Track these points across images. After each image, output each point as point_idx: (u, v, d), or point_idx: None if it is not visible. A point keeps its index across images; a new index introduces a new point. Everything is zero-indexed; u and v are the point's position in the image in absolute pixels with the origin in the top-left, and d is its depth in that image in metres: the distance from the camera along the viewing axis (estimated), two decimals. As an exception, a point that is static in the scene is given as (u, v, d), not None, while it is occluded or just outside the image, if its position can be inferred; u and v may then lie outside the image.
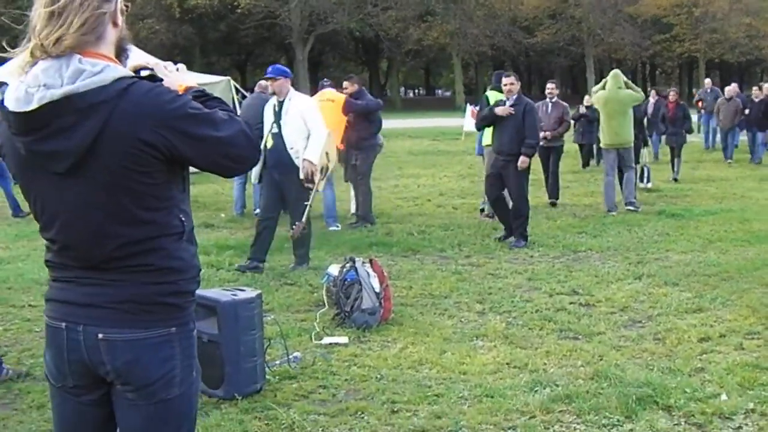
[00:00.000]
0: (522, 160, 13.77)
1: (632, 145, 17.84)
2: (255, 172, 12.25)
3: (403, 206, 18.70)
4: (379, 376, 7.64)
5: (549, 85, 19.55)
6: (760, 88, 28.90)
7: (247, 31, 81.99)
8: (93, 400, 3.58)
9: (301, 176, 11.54)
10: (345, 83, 16.05)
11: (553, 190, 18.84)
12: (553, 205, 18.39)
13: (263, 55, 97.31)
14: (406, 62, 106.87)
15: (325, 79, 16.41)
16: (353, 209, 16.45)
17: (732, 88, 29.92)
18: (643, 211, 17.24)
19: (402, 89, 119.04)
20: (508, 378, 7.55)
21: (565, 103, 19.44)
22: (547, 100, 19.06)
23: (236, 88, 25.17)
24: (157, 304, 3.42)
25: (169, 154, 3.28)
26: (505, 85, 14.31)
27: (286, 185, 11.90)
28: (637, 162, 18.92)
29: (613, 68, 25.97)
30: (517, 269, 12.11)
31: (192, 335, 3.62)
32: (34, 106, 3.18)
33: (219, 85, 25.26)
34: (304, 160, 11.54)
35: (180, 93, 3.44)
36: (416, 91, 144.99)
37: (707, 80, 37.65)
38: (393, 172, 25.28)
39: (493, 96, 16.58)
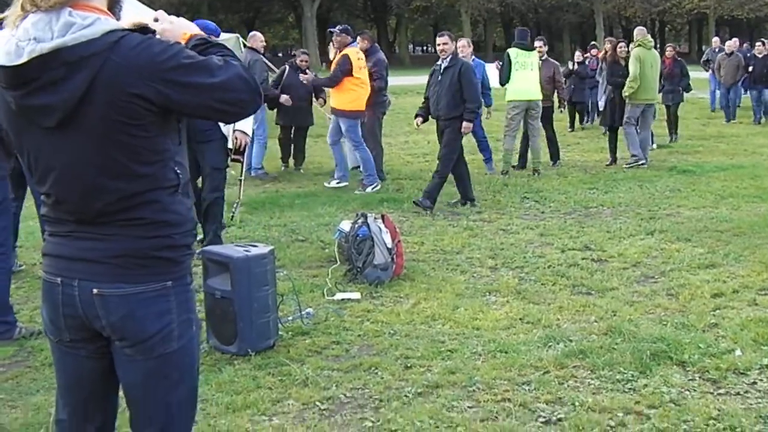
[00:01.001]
0: (465, 126, 13.26)
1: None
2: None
3: (413, 162, 18.69)
4: (392, 331, 7.63)
5: (537, 44, 18.45)
6: (764, 44, 27.69)
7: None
8: (91, 353, 3.58)
9: (230, 146, 10.52)
10: (358, 38, 16.00)
11: (554, 153, 18.34)
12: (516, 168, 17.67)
13: (271, 13, 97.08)
14: (415, 19, 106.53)
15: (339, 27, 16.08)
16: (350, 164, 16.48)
17: (732, 43, 29.27)
18: (655, 166, 17.21)
19: (411, 46, 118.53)
20: (521, 333, 7.53)
21: (555, 62, 19.00)
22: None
23: (245, 45, 25.02)
24: (152, 258, 3.40)
25: (164, 105, 3.25)
26: (438, 44, 13.70)
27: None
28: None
29: (622, 25, 25.77)
30: (529, 225, 12.09)
31: (189, 289, 3.58)
32: (24, 59, 3.14)
33: (228, 42, 25.13)
34: (236, 130, 10.48)
35: (174, 43, 3.39)
36: (425, 48, 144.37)
37: (715, 39, 36.16)
38: (403, 129, 25.21)
39: (514, 53, 16.53)
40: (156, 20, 3.59)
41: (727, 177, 16.02)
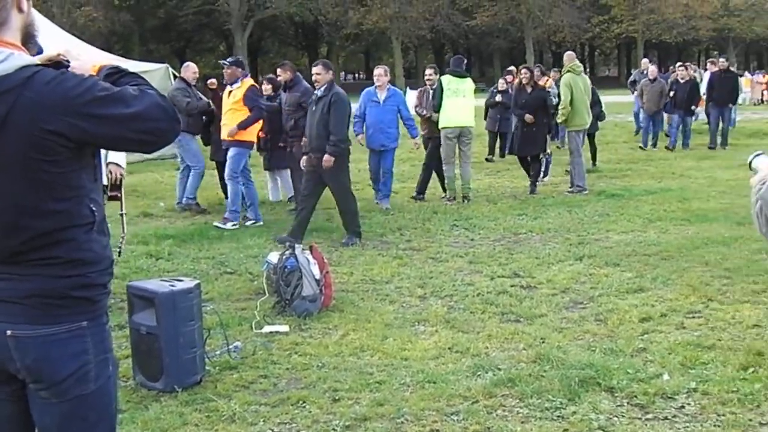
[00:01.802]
0: (325, 159, 12.69)
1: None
2: None
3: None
4: (320, 364, 7.57)
5: (428, 71, 18.16)
6: (686, 68, 27.59)
7: (186, 18, 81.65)
8: (7, 396, 3.51)
9: (105, 182, 9.15)
10: (278, 70, 15.86)
11: (443, 183, 17.42)
12: (416, 199, 17.30)
13: (202, 42, 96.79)
14: (346, 46, 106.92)
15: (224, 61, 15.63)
16: (272, 197, 16.32)
17: (654, 69, 28.43)
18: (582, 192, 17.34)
19: (342, 74, 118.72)
20: (450, 363, 7.52)
21: None
22: (427, 87, 17.71)
23: (174, 75, 24.89)
24: (68, 298, 3.34)
25: (81, 140, 3.21)
26: (313, 74, 13.19)
27: None
28: (544, 151, 18.38)
29: (552, 50, 25.95)
30: (458, 253, 12.09)
31: (105, 329, 3.53)
32: None
33: (157, 72, 25.00)
34: (109, 163, 9.44)
35: (88, 76, 3.35)
36: (356, 75, 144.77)
37: (644, 60, 36.21)
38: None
39: (446, 80, 16.52)
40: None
41: (655, 200, 16.20)
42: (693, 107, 26.47)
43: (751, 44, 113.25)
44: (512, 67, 23.54)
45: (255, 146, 15.70)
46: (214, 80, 17.68)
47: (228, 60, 15.49)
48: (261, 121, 15.14)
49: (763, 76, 63.69)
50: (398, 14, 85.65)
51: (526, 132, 17.64)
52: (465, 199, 16.72)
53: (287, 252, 9.49)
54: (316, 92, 13.18)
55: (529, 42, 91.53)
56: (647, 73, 27.86)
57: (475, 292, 9.92)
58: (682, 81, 26.58)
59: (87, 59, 3.57)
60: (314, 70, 13.21)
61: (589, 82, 18.58)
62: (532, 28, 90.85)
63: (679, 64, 28.57)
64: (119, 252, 10.66)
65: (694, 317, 8.74)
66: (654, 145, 26.71)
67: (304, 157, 13.48)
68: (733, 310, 8.89)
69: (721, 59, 28.88)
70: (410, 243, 12.86)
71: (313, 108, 13.02)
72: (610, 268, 10.91)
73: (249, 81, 14.98)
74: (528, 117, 17.59)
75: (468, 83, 16.92)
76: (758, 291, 9.63)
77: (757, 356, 7.36)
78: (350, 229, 13.14)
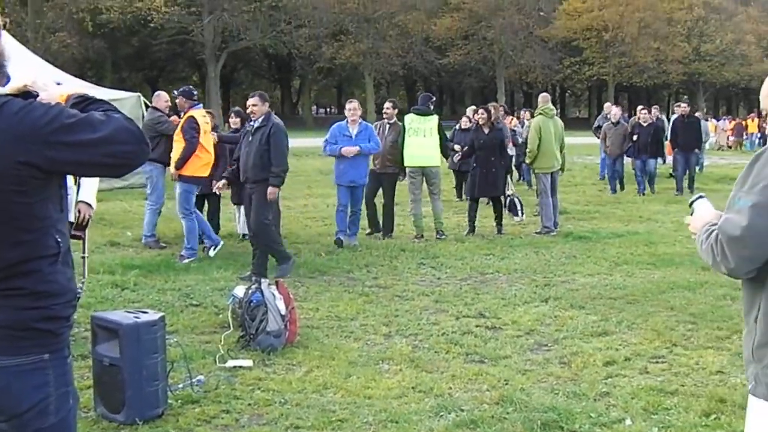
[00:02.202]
0: (270, 191, 12.78)
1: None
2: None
3: (311, 226, 18.59)
4: (283, 400, 7.54)
5: (386, 105, 18.01)
6: (649, 111, 27.22)
7: (160, 47, 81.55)
8: None
9: (71, 219, 8.89)
10: (249, 101, 15.70)
11: (386, 223, 17.17)
12: (370, 235, 17.27)
13: (175, 71, 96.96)
14: (319, 80, 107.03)
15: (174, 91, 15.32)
16: (240, 230, 16.22)
17: (617, 111, 27.88)
18: (550, 234, 17.39)
19: (314, 107, 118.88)
20: (413, 402, 7.49)
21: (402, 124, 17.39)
22: (385, 121, 17.55)
23: (146, 104, 24.85)
24: (30, 330, 3.34)
25: (50, 169, 3.23)
26: (249, 106, 13.26)
27: None
28: (503, 193, 18.30)
29: (524, 90, 26.05)
30: (424, 291, 12.08)
31: (67, 362, 3.54)
32: None
33: (129, 101, 24.96)
34: (79, 202, 9.19)
35: (55, 104, 3.35)
36: (328, 109, 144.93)
37: (606, 104, 33.34)
38: (302, 192, 25.18)
39: (408, 119, 16.52)
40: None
41: (622, 243, 16.24)
42: (659, 157, 26.52)
43: (721, 89, 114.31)
44: (473, 106, 23.35)
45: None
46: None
47: (178, 90, 15.34)
48: (211, 156, 14.87)
49: (729, 122, 64.31)
50: (371, 50, 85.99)
51: (484, 173, 17.39)
52: (438, 233, 16.82)
53: (253, 286, 9.48)
54: (252, 123, 13.20)
55: (500, 81, 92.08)
56: (610, 117, 27.53)
57: (440, 331, 9.91)
58: (644, 124, 26.28)
59: (55, 90, 3.58)
60: (250, 101, 13.20)
61: (561, 124, 18.62)
62: (504, 67, 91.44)
63: (641, 107, 28.00)
64: (78, 297, 10.56)
65: (657, 362, 8.76)
66: (621, 188, 26.50)
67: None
68: (697, 356, 8.92)
69: (682, 104, 28.67)
70: (377, 280, 12.84)
71: (250, 138, 13.00)
72: (576, 310, 10.93)
73: (191, 112, 14.66)
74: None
75: (432, 122, 16.78)
76: (722, 337, 9.66)
77: (720, 403, 7.38)
78: (279, 260, 13.08)
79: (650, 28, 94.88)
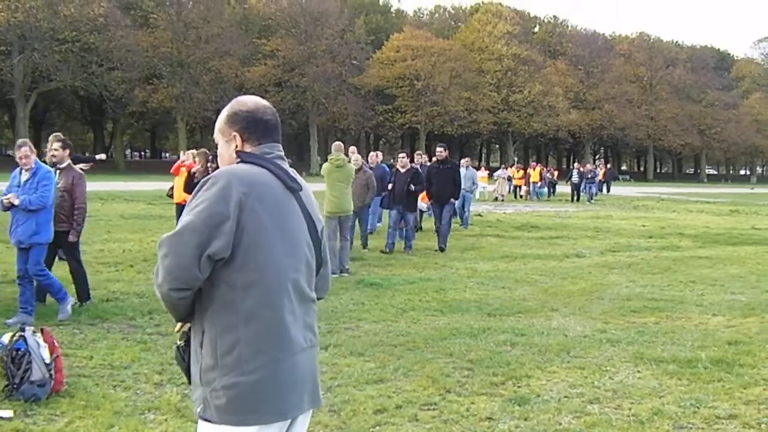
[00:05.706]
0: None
1: (351, 214, 18.78)
2: None
3: (102, 272, 18.09)
4: (36, 453, 7.28)
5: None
6: (407, 156, 25.22)
7: (-34, 86, 79.71)
8: None
9: None
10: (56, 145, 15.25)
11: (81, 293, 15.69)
12: None
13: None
14: (132, 124, 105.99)
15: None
16: None
17: (374, 156, 26.74)
18: (343, 279, 17.42)
19: (128, 151, 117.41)
20: (173, 454, 7.33)
21: None
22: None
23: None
24: None
25: None
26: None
27: None
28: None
29: (336, 137, 26.23)
30: (207, 337, 11.82)
31: None
32: None
33: None
34: None
35: None
36: (142, 153, 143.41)
37: (372, 154, 28.16)
38: (101, 237, 24.58)
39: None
40: None
41: (412, 290, 16.34)
42: (418, 204, 25.44)
43: (530, 139, 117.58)
44: None
45: None
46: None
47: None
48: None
49: (517, 170, 65.50)
50: (184, 95, 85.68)
51: None
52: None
53: (17, 334, 9.17)
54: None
55: (313, 128, 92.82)
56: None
57: (213, 379, 9.70)
58: (402, 170, 23.88)
59: None
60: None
61: (351, 172, 18.98)
62: (317, 115, 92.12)
63: (400, 152, 26.05)
64: None
65: (429, 409, 8.76)
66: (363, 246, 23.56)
67: None
68: (469, 403, 8.97)
69: (438, 149, 24.99)
70: (158, 327, 12.49)
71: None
72: (354, 357, 10.87)
73: None
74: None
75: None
76: (497, 383, 9.77)
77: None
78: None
79: (461, 77, 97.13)
